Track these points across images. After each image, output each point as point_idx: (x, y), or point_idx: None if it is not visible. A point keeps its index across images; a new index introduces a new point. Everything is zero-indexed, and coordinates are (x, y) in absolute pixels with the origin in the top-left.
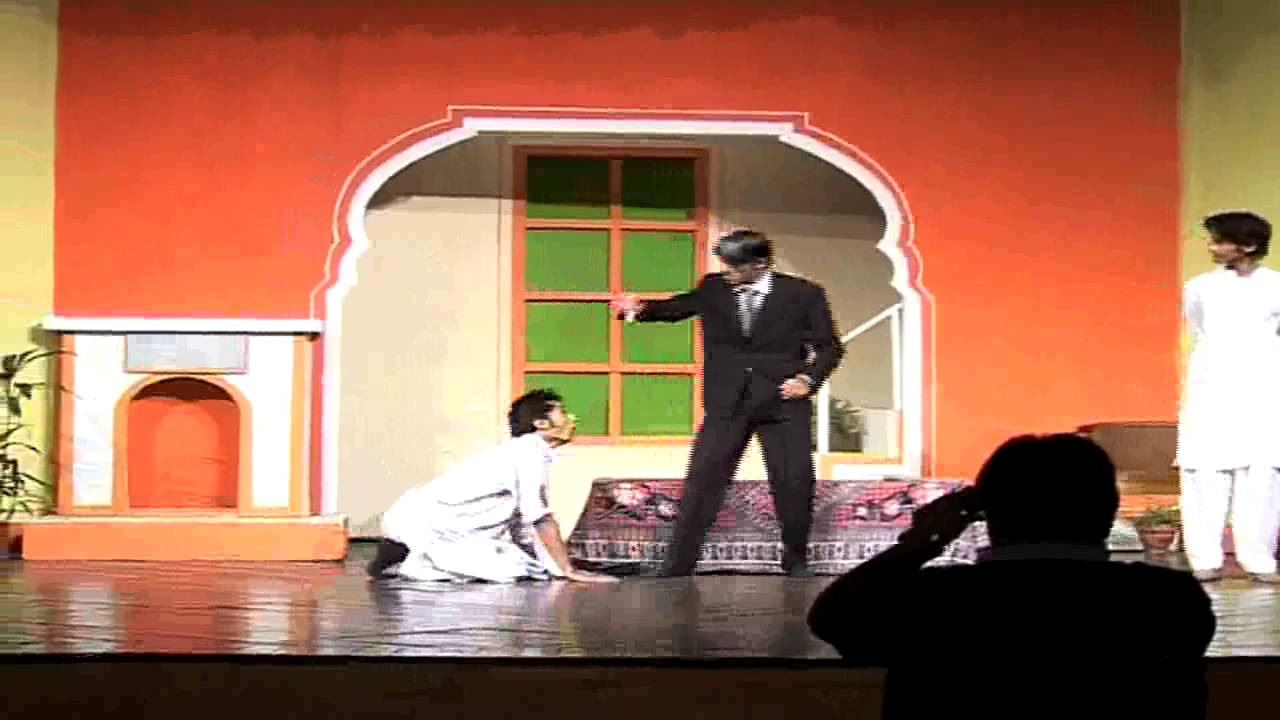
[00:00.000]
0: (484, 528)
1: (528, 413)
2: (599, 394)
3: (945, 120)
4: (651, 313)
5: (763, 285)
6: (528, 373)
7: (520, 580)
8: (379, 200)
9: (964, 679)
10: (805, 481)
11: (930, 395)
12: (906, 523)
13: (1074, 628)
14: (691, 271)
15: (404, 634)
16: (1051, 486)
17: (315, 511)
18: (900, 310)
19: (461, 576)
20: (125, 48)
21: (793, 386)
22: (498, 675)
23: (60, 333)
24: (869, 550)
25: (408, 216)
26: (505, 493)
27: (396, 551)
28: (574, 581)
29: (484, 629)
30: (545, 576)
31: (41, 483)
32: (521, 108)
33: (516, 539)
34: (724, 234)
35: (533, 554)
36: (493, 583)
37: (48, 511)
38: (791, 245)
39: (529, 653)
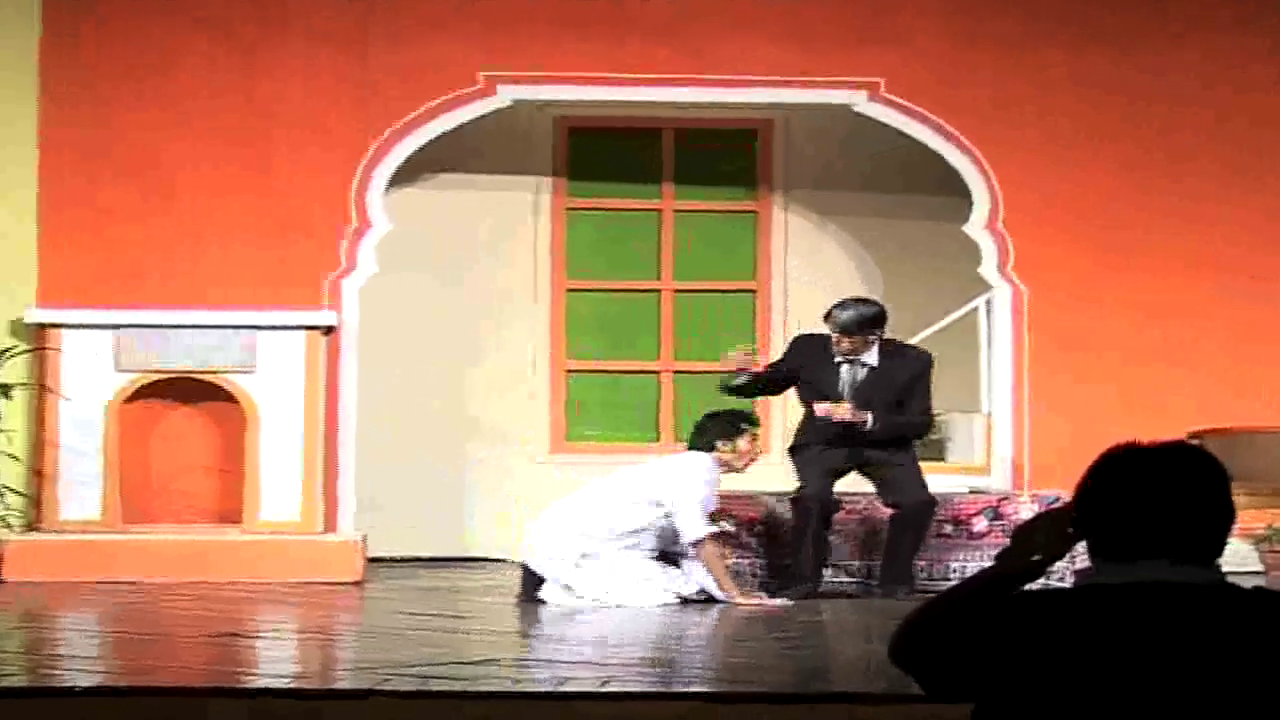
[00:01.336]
0: (634, 544)
1: (715, 429)
2: (648, 395)
3: (1040, 88)
4: (741, 388)
5: (870, 357)
6: (569, 371)
7: (666, 606)
8: (402, 178)
9: (1058, 717)
10: (926, 514)
11: (1022, 397)
12: (996, 541)
13: (1184, 659)
14: (753, 257)
15: (430, 664)
16: (1158, 500)
17: (330, 528)
18: (988, 301)
19: (603, 602)
20: (119, 3)
21: (844, 409)
22: (533, 712)
23: (44, 326)
24: (954, 571)
25: (434, 196)
26: (658, 505)
27: (539, 576)
28: (740, 605)
29: (520, 659)
30: (702, 598)
31: (23, 495)
32: (563, 73)
33: (677, 560)
34: (837, 301)
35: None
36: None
37: (30, 527)
38: (866, 228)
39: (570, 687)
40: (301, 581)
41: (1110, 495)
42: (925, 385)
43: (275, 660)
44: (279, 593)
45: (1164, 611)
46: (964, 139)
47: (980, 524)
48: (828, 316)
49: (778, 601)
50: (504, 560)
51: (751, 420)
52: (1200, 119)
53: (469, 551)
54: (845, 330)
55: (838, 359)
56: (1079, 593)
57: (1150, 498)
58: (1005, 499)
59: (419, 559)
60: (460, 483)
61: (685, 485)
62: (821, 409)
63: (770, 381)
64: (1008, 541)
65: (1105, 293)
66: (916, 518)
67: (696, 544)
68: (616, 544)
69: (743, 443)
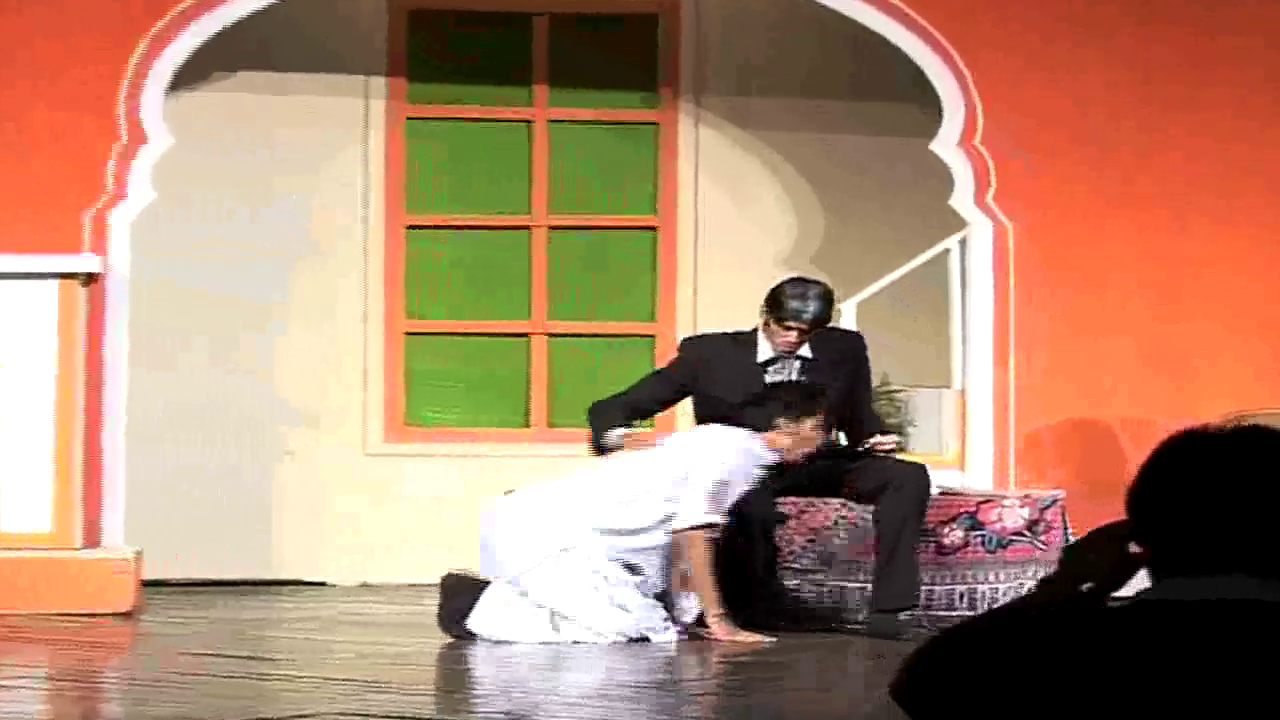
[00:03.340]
0: (639, 549)
1: (784, 398)
2: (515, 365)
3: None
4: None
5: (803, 348)
6: (410, 333)
7: (635, 641)
8: (187, 79)
9: None
10: (925, 482)
11: (1007, 366)
12: (976, 558)
13: (1260, 697)
14: (654, 184)
15: None
16: (1235, 498)
17: (92, 542)
18: (962, 241)
19: (556, 618)
20: None
21: (888, 443)
22: None
23: None
24: (921, 595)
25: (231, 102)
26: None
27: (469, 590)
28: (714, 635)
29: (344, 713)
30: (683, 633)
31: None
32: None
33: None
34: (785, 281)
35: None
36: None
37: None
38: (802, 145)
39: None
40: (54, 613)
41: (1173, 495)
42: (869, 374)
43: (16, 717)
44: (23, 627)
45: (1234, 636)
46: (932, 30)
47: (954, 534)
48: (777, 304)
49: (756, 637)
50: (322, 584)
51: (824, 397)
52: (1236, 12)
53: (276, 573)
54: (816, 323)
55: (765, 357)
56: (1132, 613)
57: (1225, 496)
58: (986, 501)
59: (210, 582)
60: (265, 483)
61: (707, 459)
62: (886, 443)
63: (659, 404)
64: (988, 557)
65: (1112, 230)
66: (915, 488)
67: (685, 531)
68: (615, 544)
69: (808, 426)
